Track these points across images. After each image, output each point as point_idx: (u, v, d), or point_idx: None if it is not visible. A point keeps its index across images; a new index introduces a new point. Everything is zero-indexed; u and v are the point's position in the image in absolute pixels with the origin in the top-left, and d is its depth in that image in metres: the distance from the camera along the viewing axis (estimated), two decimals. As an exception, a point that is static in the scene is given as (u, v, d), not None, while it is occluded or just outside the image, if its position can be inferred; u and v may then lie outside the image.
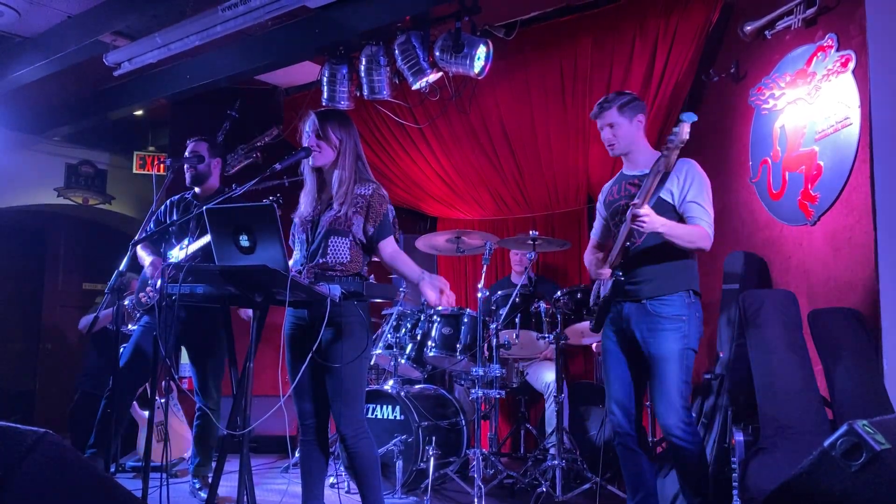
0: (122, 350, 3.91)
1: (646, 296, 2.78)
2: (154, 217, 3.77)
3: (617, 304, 2.89)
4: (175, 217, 3.71)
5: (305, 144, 2.73)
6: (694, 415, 3.54)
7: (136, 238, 3.21)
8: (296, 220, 2.80)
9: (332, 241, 2.69)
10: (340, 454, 3.68)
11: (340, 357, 2.62)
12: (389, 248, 2.75)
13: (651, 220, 2.62)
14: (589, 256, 3.09)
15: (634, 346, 2.84)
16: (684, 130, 2.52)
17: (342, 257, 2.69)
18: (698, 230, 2.72)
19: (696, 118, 2.57)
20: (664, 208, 2.77)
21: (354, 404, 2.68)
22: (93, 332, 5.06)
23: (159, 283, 2.84)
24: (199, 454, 3.86)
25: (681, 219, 2.77)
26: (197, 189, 3.80)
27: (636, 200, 2.64)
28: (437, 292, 2.65)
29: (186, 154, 3.79)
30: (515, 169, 5.35)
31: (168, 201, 3.88)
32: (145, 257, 3.68)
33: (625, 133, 2.89)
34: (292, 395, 2.71)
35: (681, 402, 2.72)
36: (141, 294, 3.78)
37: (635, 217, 2.60)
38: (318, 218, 2.74)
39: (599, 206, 3.10)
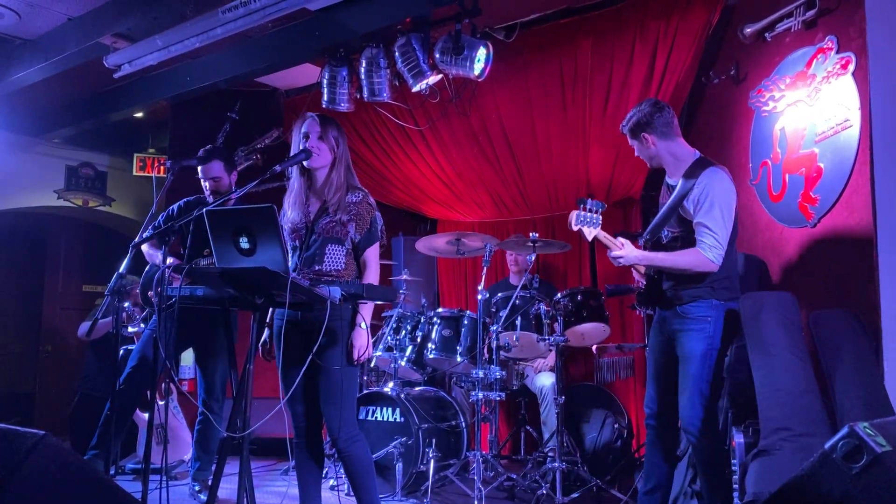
0: (122, 351, 3.91)
1: (678, 303, 2.91)
2: (165, 215, 3.77)
3: (658, 309, 3.07)
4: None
5: (304, 146, 2.74)
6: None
7: (136, 240, 3.20)
8: (285, 226, 2.77)
9: (328, 249, 2.73)
10: (340, 456, 3.68)
11: (335, 360, 2.63)
12: (367, 256, 2.83)
13: (626, 258, 2.86)
14: None
15: (670, 347, 2.98)
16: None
17: (338, 265, 2.74)
18: (689, 257, 2.82)
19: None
20: (682, 222, 2.92)
21: (347, 407, 2.68)
22: (91, 338, 5.06)
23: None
24: (200, 457, 3.85)
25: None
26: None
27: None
28: (357, 350, 2.71)
29: (200, 176, 3.76)
30: (515, 171, 5.35)
31: (183, 201, 3.85)
32: (156, 255, 3.67)
33: (641, 153, 3.04)
34: (287, 400, 2.70)
35: (700, 400, 2.83)
36: (150, 293, 3.76)
37: (614, 259, 2.88)
38: (313, 225, 2.74)
39: None
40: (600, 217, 2.91)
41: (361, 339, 2.73)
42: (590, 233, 2.89)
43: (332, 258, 2.73)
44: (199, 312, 3.45)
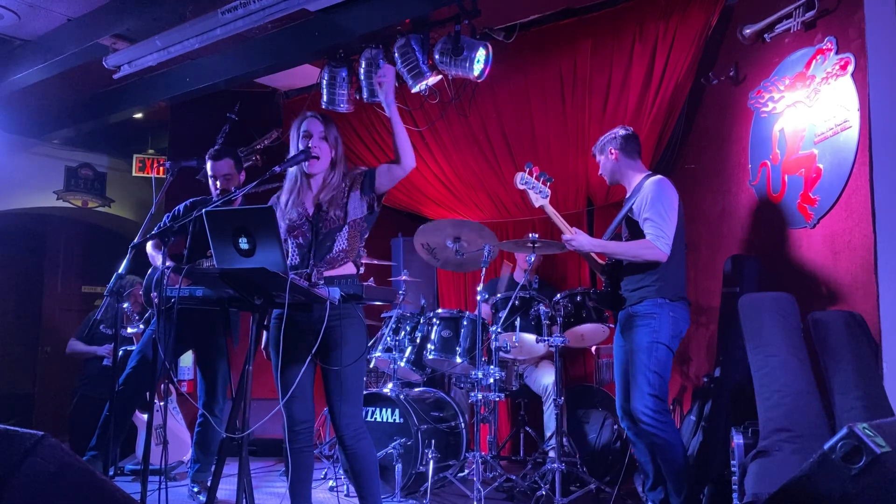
0: (121, 352, 3.90)
1: (628, 304, 3.20)
2: (170, 215, 3.77)
3: (616, 311, 3.32)
4: None
5: (306, 145, 2.73)
6: (691, 409, 3.63)
7: (135, 240, 3.20)
8: (282, 223, 2.73)
9: (338, 237, 2.75)
10: (340, 457, 3.67)
11: (343, 358, 2.63)
12: (384, 164, 2.87)
13: (577, 241, 3.13)
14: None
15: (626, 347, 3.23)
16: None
17: (343, 244, 2.75)
18: (640, 243, 3.09)
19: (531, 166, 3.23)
20: (632, 226, 3.20)
21: (355, 404, 2.70)
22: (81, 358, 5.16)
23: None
24: (200, 459, 3.84)
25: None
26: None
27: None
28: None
29: (210, 172, 3.75)
30: (515, 172, 5.33)
31: (189, 201, 3.82)
32: (158, 257, 3.65)
33: (603, 166, 3.40)
34: (286, 400, 2.68)
35: (647, 389, 3.03)
36: (153, 294, 3.76)
37: (566, 242, 3.14)
38: (317, 219, 2.73)
39: None
40: (549, 190, 3.25)
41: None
42: (536, 199, 3.22)
43: (339, 242, 2.75)
44: (200, 314, 3.45)
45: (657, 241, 3.05)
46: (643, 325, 3.10)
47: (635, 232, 3.18)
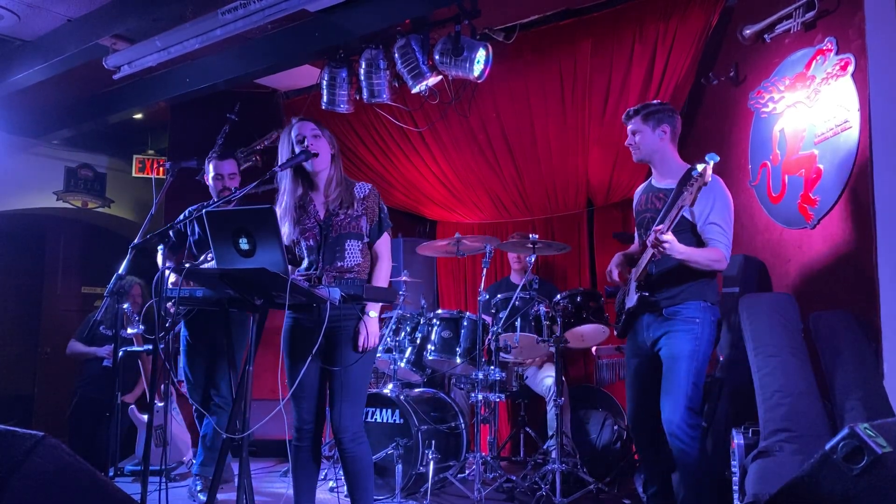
0: (121, 353, 3.89)
1: (664, 307, 2.88)
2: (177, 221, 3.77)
3: (639, 315, 2.99)
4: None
5: (303, 147, 2.73)
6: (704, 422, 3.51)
7: (135, 241, 3.19)
8: (293, 228, 2.74)
9: (348, 245, 2.75)
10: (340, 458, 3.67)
11: (344, 359, 2.64)
12: (379, 248, 2.87)
13: (672, 247, 2.68)
14: (618, 255, 3.15)
15: (651, 353, 2.93)
16: (707, 172, 2.53)
17: (357, 259, 2.76)
18: (715, 253, 2.80)
19: (717, 159, 2.60)
20: (684, 226, 2.84)
21: (356, 406, 2.71)
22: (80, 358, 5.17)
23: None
24: (204, 453, 3.84)
25: (699, 238, 2.85)
26: None
27: (660, 226, 2.69)
28: (365, 336, 2.70)
29: (213, 172, 3.76)
30: (515, 172, 5.35)
31: (195, 207, 3.81)
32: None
33: (646, 140, 2.95)
34: (292, 399, 2.70)
35: (685, 402, 2.76)
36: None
37: (658, 242, 2.66)
38: (328, 222, 2.74)
39: (634, 209, 3.18)
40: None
41: (369, 326, 2.72)
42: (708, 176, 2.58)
43: (351, 253, 2.75)
44: (220, 315, 3.45)
45: (727, 251, 2.81)
46: (685, 331, 2.81)
47: (685, 229, 2.85)
